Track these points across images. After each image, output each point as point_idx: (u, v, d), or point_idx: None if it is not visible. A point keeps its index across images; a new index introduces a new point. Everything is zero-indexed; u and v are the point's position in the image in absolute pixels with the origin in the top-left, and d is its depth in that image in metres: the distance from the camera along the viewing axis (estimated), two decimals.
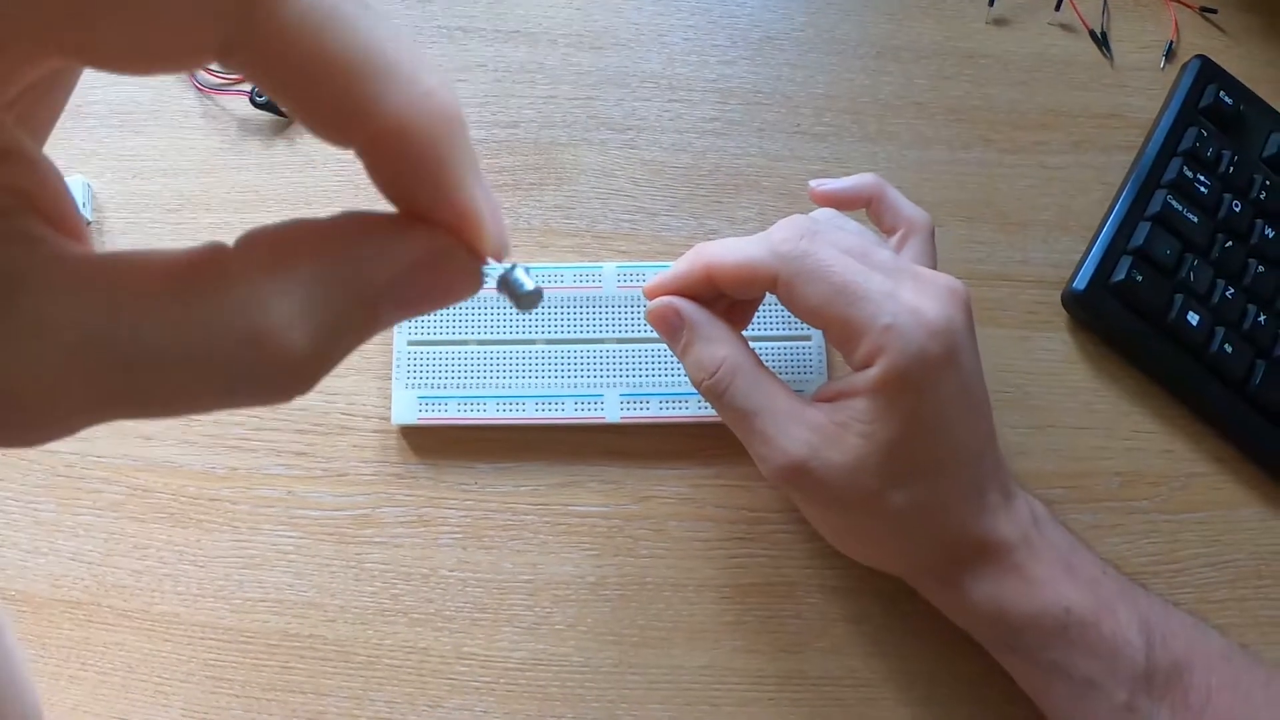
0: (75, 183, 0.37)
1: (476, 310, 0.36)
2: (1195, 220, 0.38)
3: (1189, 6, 0.44)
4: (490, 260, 0.14)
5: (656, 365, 0.35)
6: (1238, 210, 0.39)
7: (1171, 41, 0.43)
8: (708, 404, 0.31)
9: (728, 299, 0.32)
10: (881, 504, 0.29)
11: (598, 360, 0.35)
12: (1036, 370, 0.38)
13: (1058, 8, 0.43)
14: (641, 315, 0.35)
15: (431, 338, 0.35)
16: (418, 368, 0.35)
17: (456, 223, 0.14)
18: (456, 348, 0.35)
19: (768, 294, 0.32)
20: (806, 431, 0.29)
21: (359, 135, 0.12)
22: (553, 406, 0.35)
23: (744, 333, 0.32)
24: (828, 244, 0.29)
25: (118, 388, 0.11)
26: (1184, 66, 0.42)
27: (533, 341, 0.35)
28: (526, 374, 0.35)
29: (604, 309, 0.36)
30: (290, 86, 0.12)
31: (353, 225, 0.13)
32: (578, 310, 0.36)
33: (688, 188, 0.40)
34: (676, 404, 0.35)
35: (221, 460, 0.35)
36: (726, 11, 0.43)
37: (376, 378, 0.36)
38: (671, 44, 0.42)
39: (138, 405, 0.12)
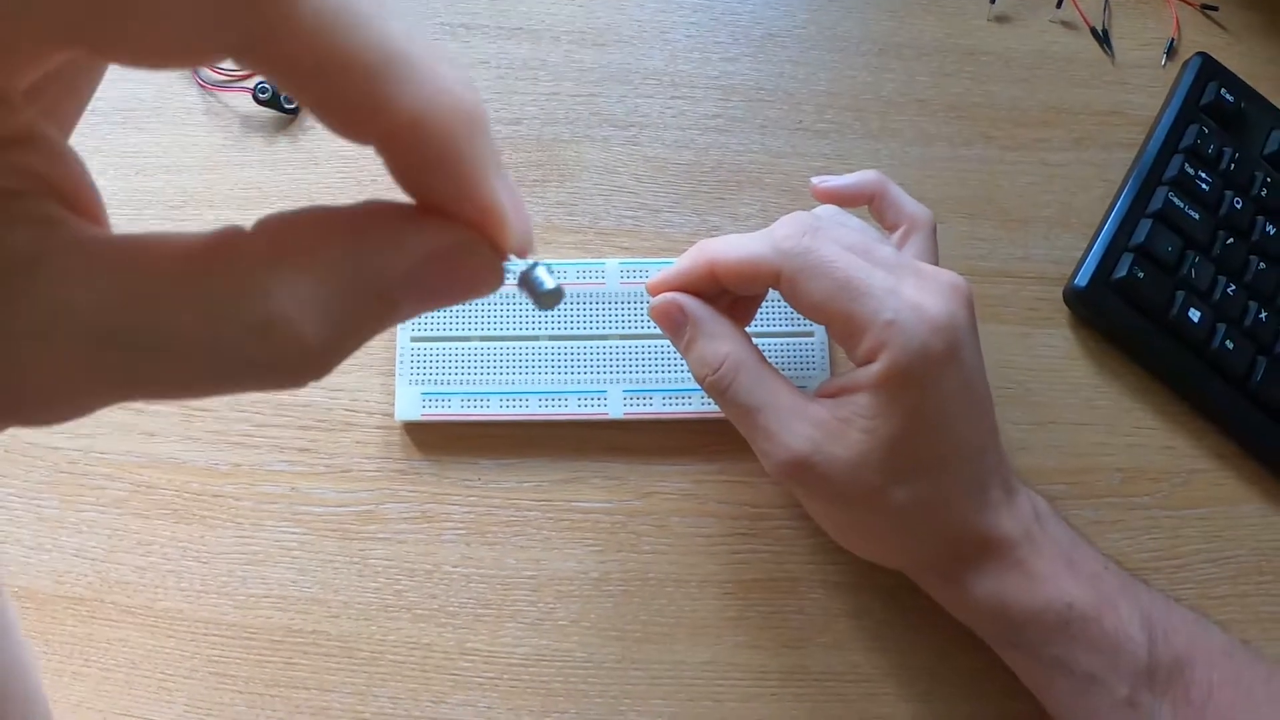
0: None
1: (480, 306, 0.36)
2: (1196, 217, 0.38)
3: (1190, 4, 0.44)
4: (512, 257, 0.14)
5: (660, 361, 0.35)
6: (1239, 207, 0.39)
7: (1173, 39, 0.43)
8: (711, 400, 0.31)
9: (730, 295, 0.32)
10: (884, 500, 0.29)
11: (601, 356, 0.35)
12: (1038, 366, 0.38)
13: (1059, 5, 0.43)
14: (645, 311, 0.35)
15: (435, 334, 0.35)
16: (421, 364, 0.35)
17: (478, 218, 0.13)
18: (460, 344, 0.35)
19: (770, 290, 0.32)
20: (809, 427, 0.29)
21: (377, 131, 0.12)
22: (556, 402, 0.35)
23: (747, 329, 0.32)
24: (830, 240, 0.29)
25: (132, 371, 0.12)
26: (1185, 64, 0.42)
27: (536, 338, 0.36)
28: (530, 370, 0.35)
29: (607, 305, 0.36)
30: (307, 83, 0.12)
31: (372, 214, 0.13)
32: (581, 306, 0.36)
33: (690, 184, 0.40)
34: (679, 400, 0.35)
35: (225, 456, 0.35)
36: (729, 8, 0.43)
37: (380, 374, 0.36)
38: (674, 41, 0.42)
39: (151, 388, 0.12)
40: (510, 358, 0.35)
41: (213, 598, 0.34)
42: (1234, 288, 0.38)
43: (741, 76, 0.41)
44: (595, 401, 0.35)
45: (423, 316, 0.36)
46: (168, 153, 0.39)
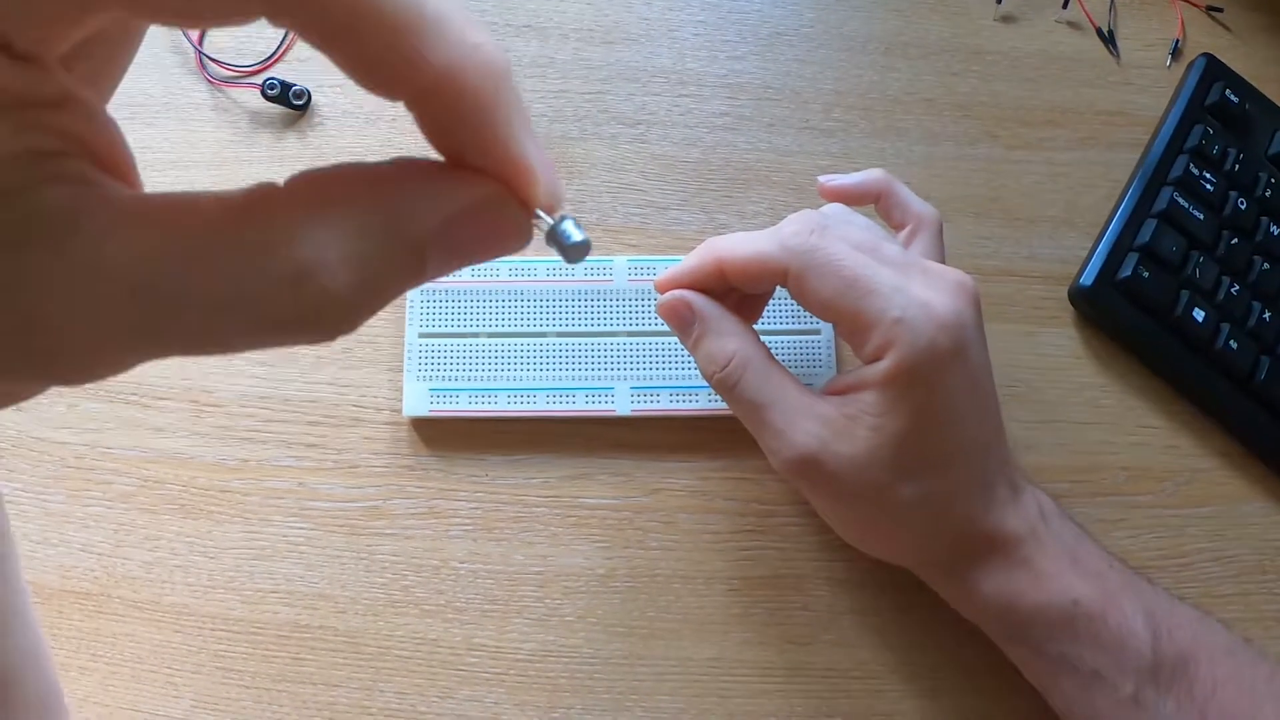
0: None
1: (488, 303, 0.36)
2: (1201, 217, 0.39)
3: (1195, 5, 0.44)
4: (540, 213, 0.14)
5: (667, 358, 0.35)
6: (1243, 208, 0.39)
7: (1178, 40, 0.44)
8: (718, 397, 0.31)
9: (738, 293, 0.32)
10: (890, 497, 0.29)
11: (609, 353, 0.35)
12: (1043, 365, 0.38)
13: (1065, 5, 0.44)
14: (652, 309, 0.35)
15: (443, 330, 0.35)
16: (429, 360, 0.35)
17: (508, 173, 0.14)
18: (468, 340, 0.35)
19: (778, 288, 0.32)
20: (817, 424, 0.29)
21: (408, 87, 0.13)
22: (564, 399, 0.35)
23: (754, 326, 0.32)
24: (837, 239, 0.29)
25: (167, 326, 0.12)
26: (1190, 65, 0.42)
27: (544, 334, 0.36)
28: (537, 367, 0.35)
29: (615, 302, 0.36)
30: (338, 40, 0.12)
31: (403, 170, 0.13)
32: (589, 304, 0.36)
33: (698, 182, 0.40)
34: (687, 397, 0.35)
35: (232, 452, 0.35)
36: (736, 7, 0.43)
37: (388, 370, 0.36)
38: (682, 39, 0.42)
39: (187, 343, 0.12)
40: (518, 354, 0.35)
41: (220, 593, 0.34)
42: (1238, 288, 0.38)
43: (749, 75, 0.42)
44: (603, 398, 0.35)
45: (431, 313, 0.36)
46: (176, 148, 0.39)
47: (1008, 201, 0.40)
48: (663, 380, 0.35)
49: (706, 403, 0.35)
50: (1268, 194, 0.40)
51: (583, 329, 0.36)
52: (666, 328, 0.32)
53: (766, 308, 0.35)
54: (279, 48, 0.40)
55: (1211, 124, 0.41)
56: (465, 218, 0.13)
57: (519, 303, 0.36)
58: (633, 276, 0.36)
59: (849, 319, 0.29)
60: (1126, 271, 0.38)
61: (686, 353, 0.32)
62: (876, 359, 0.29)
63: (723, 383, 0.30)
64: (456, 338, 0.35)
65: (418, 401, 0.35)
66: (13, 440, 0.35)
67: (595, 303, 0.36)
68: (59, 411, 0.35)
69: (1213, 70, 0.42)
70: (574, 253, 0.15)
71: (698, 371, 0.31)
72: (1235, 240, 0.39)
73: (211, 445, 0.35)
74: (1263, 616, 0.35)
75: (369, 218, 0.13)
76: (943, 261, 0.32)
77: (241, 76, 0.39)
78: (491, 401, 0.35)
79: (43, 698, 0.25)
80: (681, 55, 0.42)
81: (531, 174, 0.14)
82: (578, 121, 0.40)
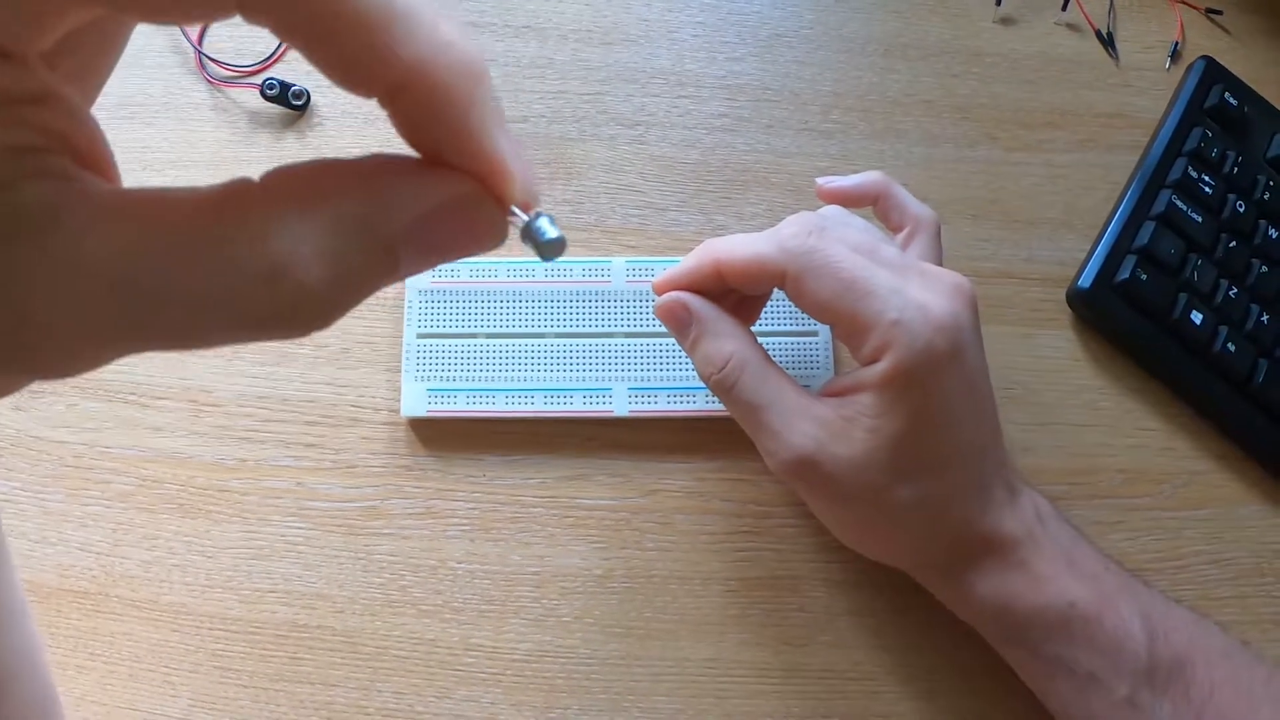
0: None
1: (486, 304, 0.36)
2: (1199, 220, 0.39)
3: (1194, 7, 0.44)
4: (516, 210, 0.14)
5: (665, 359, 0.35)
6: (1241, 210, 0.39)
7: (1177, 42, 0.44)
8: (715, 398, 0.31)
9: (736, 294, 0.32)
10: (887, 498, 0.29)
11: (606, 354, 0.35)
12: (1040, 367, 0.38)
13: (1064, 7, 0.44)
14: (650, 310, 0.35)
15: (441, 330, 0.36)
16: (427, 360, 0.35)
17: (483, 170, 0.14)
18: (466, 340, 0.35)
19: (775, 290, 0.32)
20: (814, 426, 0.29)
21: (381, 83, 0.13)
22: (561, 400, 0.35)
23: (752, 328, 0.32)
24: (836, 240, 0.29)
25: (145, 321, 0.12)
26: (1189, 67, 0.42)
27: (542, 335, 0.36)
28: (535, 367, 0.35)
29: (613, 303, 0.36)
30: (311, 37, 0.12)
31: (378, 166, 0.13)
32: (587, 304, 0.36)
33: (696, 183, 0.40)
34: (684, 398, 0.35)
35: (231, 451, 0.35)
36: (735, 9, 0.43)
37: (386, 370, 0.36)
38: (681, 40, 0.42)
39: (165, 337, 0.12)
40: (516, 355, 0.35)
41: (218, 592, 0.34)
42: (1236, 291, 0.38)
43: (748, 76, 0.42)
44: (600, 399, 0.35)
45: (429, 313, 0.36)
46: (175, 148, 0.39)
47: (1006, 203, 0.40)
48: (660, 381, 0.35)
49: (704, 404, 0.35)
50: (1266, 197, 0.40)
51: (581, 330, 0.36)
52: (664, 329, 0.32)
53: (764, 309, 0.35)
54: (279, 48, 0.40)
55: (1210, 127, 0.41)
56: (440, 214, 0.13)
57: (517, 303, 0.36)
58: (631, 277, 0.36)
59: (846, 321, 0.29)
60: (1125, 274, 0.38)
61: (684, 354, 0.32)
62: (874, 361, 0.29)
63: (720, 384, 0.30)
64: (454, 338, 0.35)
65: (416, 402, 0.35)
66: (11, 439, 0.35)
67: (593, 304, 0.36)
68: (58, 411, 0.36)
69: (1212, 73, 0.42)
70: (549, 250, 0.15)
71: (695, 373, 0.31)
72: (1234, 243, 0.39)
73: (210, 445, 0.35)
74: (1260, 619, 0.35)
75: (343, 213, 0.13)
76: (940, 264, 0.32)
77: (241, 76, 0.39)
78: (489, 402, 0.35)
79: (39, 698, 0.25)
80: (680, 56, 0.42)
81: (506, 171, 0.14)
82: (576, 122, 0.40)
